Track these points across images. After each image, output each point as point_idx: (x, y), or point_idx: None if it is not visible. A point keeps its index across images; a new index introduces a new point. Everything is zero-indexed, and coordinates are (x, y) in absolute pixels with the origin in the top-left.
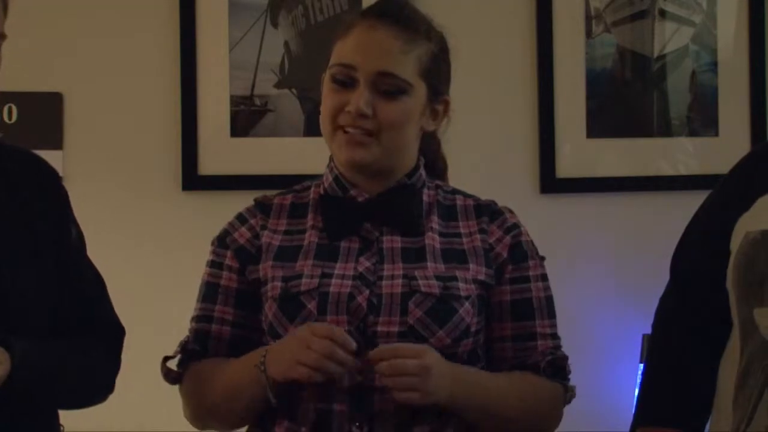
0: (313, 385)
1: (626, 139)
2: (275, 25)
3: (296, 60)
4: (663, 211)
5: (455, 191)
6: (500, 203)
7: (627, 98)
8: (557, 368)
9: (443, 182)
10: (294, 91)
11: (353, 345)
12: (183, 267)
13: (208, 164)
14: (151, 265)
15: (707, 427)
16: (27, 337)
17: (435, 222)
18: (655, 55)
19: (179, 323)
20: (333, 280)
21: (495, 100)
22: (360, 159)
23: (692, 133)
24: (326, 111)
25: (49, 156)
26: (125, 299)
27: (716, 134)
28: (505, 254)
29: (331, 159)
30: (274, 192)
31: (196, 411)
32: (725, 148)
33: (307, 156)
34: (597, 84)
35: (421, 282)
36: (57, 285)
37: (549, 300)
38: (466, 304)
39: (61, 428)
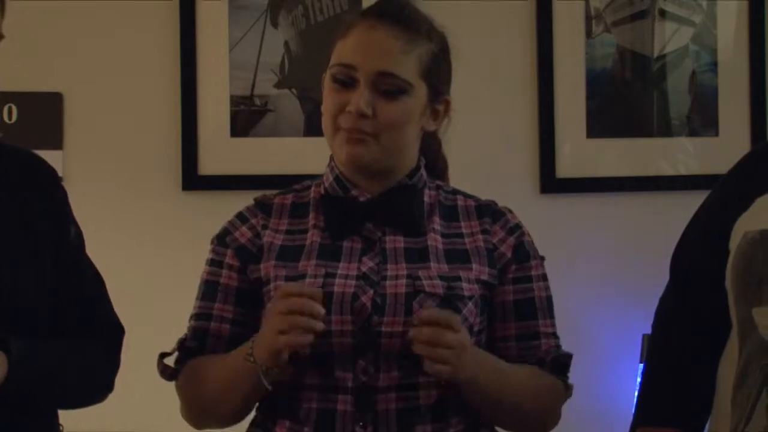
0: (315, 386)
1: (626, 139)
2: (275, 25)
3: (296, 60)
4: (663, 211)
5: (456, 191)
6: (500, 203)
7: (627, 98)
8: (562, 365)
9: (443, 182)
10: (294, 91)
11: (319, 293)
12: (183, 267)
13: (208, 164)
14: (151, 265)
15: (707, 427)
16: (25, 337)
17: (437, 223)
18: (655, 55)
19: (179, 323)
20: (337, 280)
21: (495, 100)
22: (360, 158)
23: (692, 133)
24: (327, 111)
25: (49, 156)
26: (125, 299)
27: (716, 134)
28: (509, 254)
29: (331, 159)
30: (273, 192)
31: (192, 408)
32: (725, 148)
33: (307, 156)
34: (597, 84)
35: (425, 282)
36: (56, 284)
37: (549, 300)
38: (470, 304)
39: (61, 428)
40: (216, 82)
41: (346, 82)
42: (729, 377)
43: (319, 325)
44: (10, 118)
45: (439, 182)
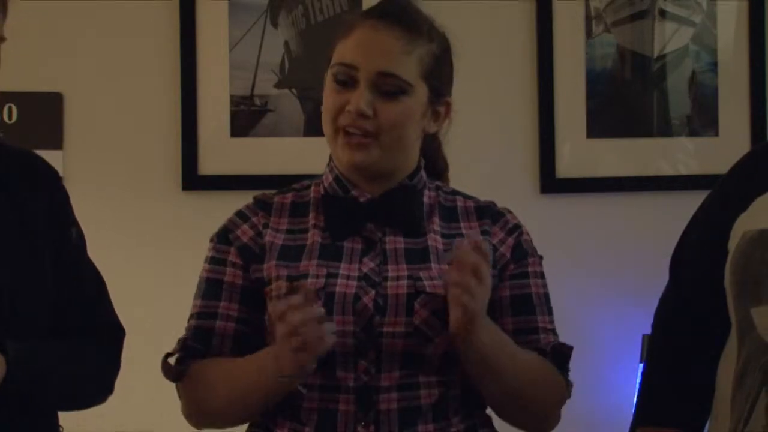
0: (316, 386)
1: (626, 139)
2: (275, 25)
3: (296, 60)
4: (663, 211)
5: (455, 192)
6: (500, 203)
7: (627, 98)
8: (563, 355)
9: (443, 183)
10: (294, 91)
11: (311, 291)
12: (183, 267)
13: (208, 164)
14: (151, 265)
15: (707, 427)
16: (24, 339)
17: (436, 224)
18: (655, 55)
19: (179, 323)
20: (338, 280)
21: (495, 100)
22: (361, 162)
23: (692, 133)
24: (327, 111)
25: (49, 156)
26: (125, 299)
27: (716, 134)
28: (508, 255)
29: (330, 158)
30: (272, 191)
31: (199, 414)
32: (725, 148)
33: (307, 156)
34: (597, 84)
35: (426, 283)
36: (56, 285)
37: (547, 297)
38: None
39: (61, 429)
40: (216, 82)
41: (347, 81)
42: (728, 377)
43: (330, 327)
44: (10, 118)
45: (438, 183)
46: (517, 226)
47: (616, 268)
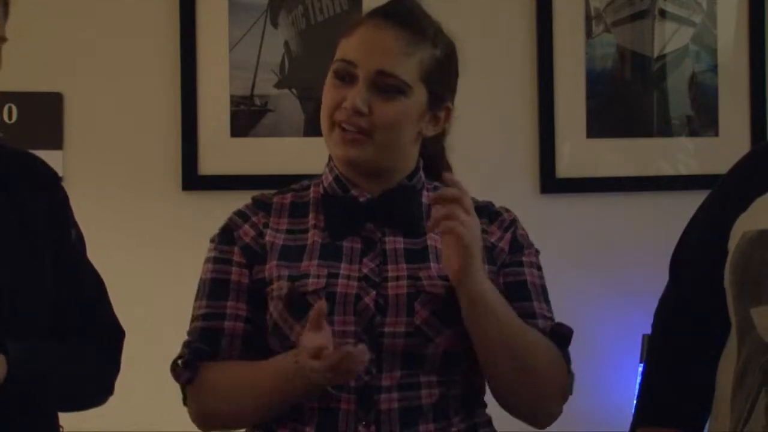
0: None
1: (626, 139)
2: (275, 25)
3: (296, 60)
4: (663, 211)
5: None
6: (500, 203)
7: (627, 98)
8: (562, 335)
9: (443, 185)
10: (294, 91)
11: (323, 306)
12: (183, 267)
13: (208, 164)
14: (151, 265)
15: (707, 427)
16: (24, 340)
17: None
18: (655, 55)
19: (179, 323)
20: (339, 281)
21: (495, 100)
22: (355, 157)
23: (692, 133)
24: (325, 106)
25: (49, 156)
26: (125, 299)
27: (716, 134)
28: (506, 249)
29: (330, 158)
30: (271, 191)
31: (209, 418)
32: (725, 148)
33: (307, 156)
34: (597, 84)
35: (425, 282)
36: (56, 286)
37: (544, 288)
38: None
39: (61, 429)
40: (216, 82)
41: (346, 78)
42: (728, 377)
43: (366, 357)
44: (10, 118)
45: (437, 183)
46: (513, 222)
47: (616, 268)
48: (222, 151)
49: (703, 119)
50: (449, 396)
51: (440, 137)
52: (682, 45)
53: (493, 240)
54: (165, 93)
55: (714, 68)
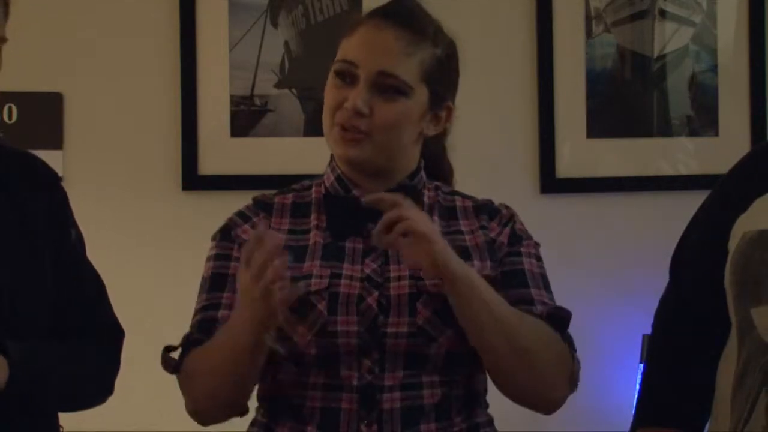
0: (319, 385)
1: (626, 139)
2: (275, 25)
3: (296, 60)
4: (663, 211)
5: (454, 192)
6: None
7: (627, 98)
8: (560, 319)
9: (443, 185)
10: (294, 91)
11: (278, 238)
12: (183, 267)
13: (208, 164)
14: (151, 265)
15: (707, 427)
16: (25, 340)
17: (436, 223)
18: (655, 55)
19: (179, 323)
20: (342, 281)
21: (495, 100)
22: (355, 157)
23: (692, 133)
24: (326, 106)
25: (49, 156)
26: (125, 299)
27: (716, 134)
28: (505, 242)
29: (332, 158)
30: (271, 192)
31: (195, 403)
32: (725, 148)
33: (307, 156)
34: (597, 84)
35: (427, 282)
36: (56, 286)
37: (543, 276)
38: None
39: (61, 429)
40: (216, 82)
41: (347, 78)
42: (728, 377)
43: (280, 276)
44: (10, 118)
45: (437, 183)
46: (512, 217)
47: (616, 268)
48: (222, 151)
49: (703, 119)
50: (451, 396)
51: (441, 137)
52: (682, 45)
53: (492, 235)
54: (165, 93)
55: (714, 68)
